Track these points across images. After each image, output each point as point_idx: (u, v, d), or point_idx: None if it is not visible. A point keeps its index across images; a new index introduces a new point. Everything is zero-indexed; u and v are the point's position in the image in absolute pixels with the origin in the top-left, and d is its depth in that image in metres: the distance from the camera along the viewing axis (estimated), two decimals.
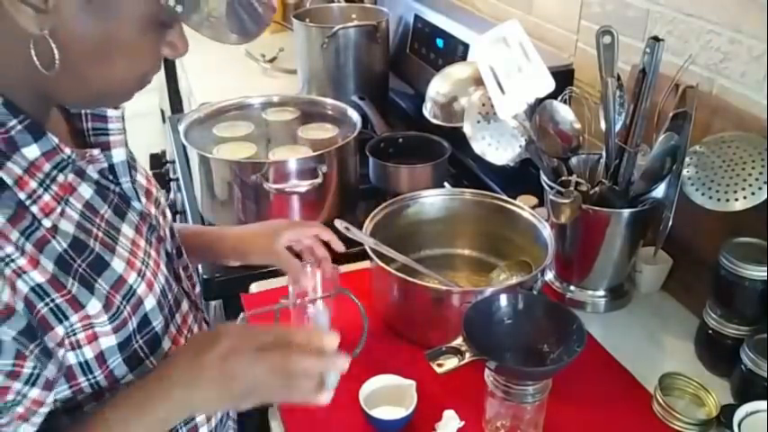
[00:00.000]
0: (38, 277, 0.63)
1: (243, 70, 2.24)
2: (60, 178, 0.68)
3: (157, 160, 1.91)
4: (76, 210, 0.69)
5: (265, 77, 2.21)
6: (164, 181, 1.85)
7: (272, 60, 2.26)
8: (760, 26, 1.01)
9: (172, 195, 1.82)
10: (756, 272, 0.94)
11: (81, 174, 0.72)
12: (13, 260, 0.61)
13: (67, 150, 0.68)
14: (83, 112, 0.76)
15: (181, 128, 1.37)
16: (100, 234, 0.70)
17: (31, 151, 0.65)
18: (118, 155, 0.77)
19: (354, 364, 1.02)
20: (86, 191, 0.71)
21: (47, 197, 0.65)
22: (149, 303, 0.74)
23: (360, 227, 1.11)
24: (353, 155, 1.37)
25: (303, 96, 1.67)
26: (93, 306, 0.67)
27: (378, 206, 1.18)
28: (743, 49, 1.05)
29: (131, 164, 0.80)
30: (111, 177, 0.76)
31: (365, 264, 1.18)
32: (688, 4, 1.14)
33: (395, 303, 1.09)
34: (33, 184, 0.64)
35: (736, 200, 0.97)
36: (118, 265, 0.71)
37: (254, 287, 1.23)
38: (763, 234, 0.97)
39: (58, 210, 0.67)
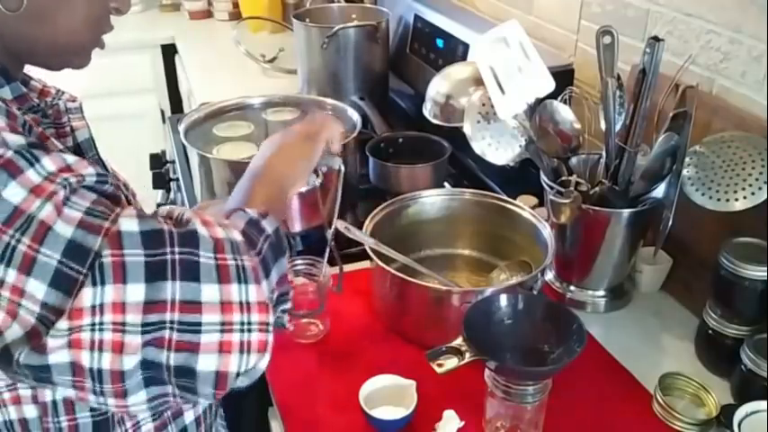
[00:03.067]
0: None
1: (243, 70, 2.24)
2: (35, 130, 0.66)
3: (157, 160, 1.90)
4: None
5: (265, 77, 2.20)
6: (164, 181, 1.84)
7: (272, 60, 2.26)
8: (760, 26, 1.01)
9: (172, 195, 1.82)
10: (756, 272, 0.94)
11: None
12: None
13: (35, 100, 0.69)
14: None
15: (181, 128, 1.37)
16: None
17: (5, 92, 0.65)
18: (82, 134, 0.78)
19: (354, 364, 1.03)
20: None
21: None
22: None
23: (360, 227, 1.11)
24: (353, 155, 1.37)
25: (303, 96, 1.67)
26: None
27: (378, 206, 1.18)
28: (743, 49, 1.05)
29: (94, 143, 0.81)
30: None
31: (365, 264, 1.18)
32: (688, 4, 1.14)
33: (395, 303, 1.09)
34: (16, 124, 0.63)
35: (736, 200, 0.97)
36: None
37: None
38: (763, 234, 0.97)
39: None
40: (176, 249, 0.58)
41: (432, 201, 1.23)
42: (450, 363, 0.84)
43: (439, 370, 0.83)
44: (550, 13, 1.53)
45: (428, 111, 1.21)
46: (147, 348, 0.57)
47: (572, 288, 1.18)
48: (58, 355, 0.55)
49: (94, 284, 0.55)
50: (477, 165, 1.53)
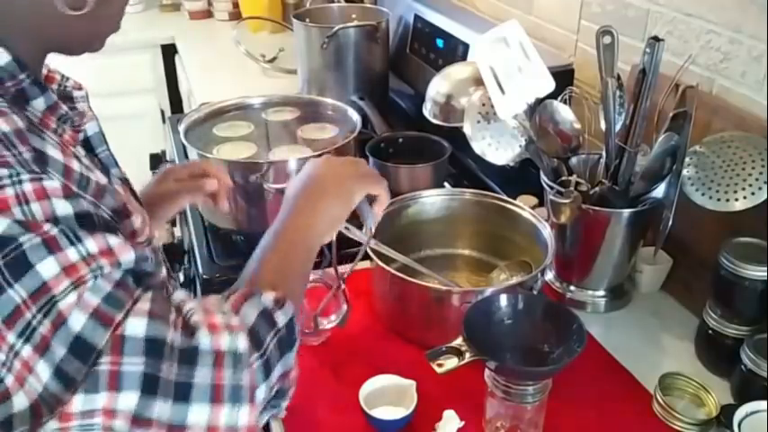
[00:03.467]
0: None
1: (243, 70, 2.24)
2: (65, 136, 0.67)
3: (157, 160, 1.90)
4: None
5: (265, 77, 2.21)
6: None
7: (272, 60, 2.26)
8: (760, 26, 1.01)
9: None
10: (756, 272, 0.94)
11: None
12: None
13: (64, 107, 0.68)
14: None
15: (181, 128, 1.37)
16: None
17: (39, 103, 0.65)
18: (92, 127, 0.77)
19: (354, 364, 1.03)
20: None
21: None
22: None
23: (360, 227, 1.11)
24: (353, 155, 1.37)
25: (303, 96, 1.67)
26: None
27: None
28: (743, 49, 1.05)
29: (104, 137, 0.81)
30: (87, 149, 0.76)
31: (365, 264, 1.18)
32: (688, 4, 1.14)
33: (395, 303, 1.09)
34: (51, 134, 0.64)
35: (736, 200, 0.97)
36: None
37: None
38: (763, 234, 0.97)
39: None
40: (174, 368, 0.57)
41: (432, 201, 1.23)
42: (450, 363, 0.84)
43: (439, 370, 0.83)
44: (550, 13, 1.53)
45: (428, 111, 1.22)
46: None
47: (572, 288, 1.18)
48: None
49: (87, 392, 0.54)
50: (477, 165, 1.53)
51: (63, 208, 0.56)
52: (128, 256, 0.59)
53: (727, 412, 0.89)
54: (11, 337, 0.54)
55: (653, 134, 1.06)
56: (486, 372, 0.87)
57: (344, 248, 1.29)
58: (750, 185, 0.96)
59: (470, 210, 1.23)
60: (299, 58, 1.85)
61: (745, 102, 1.06)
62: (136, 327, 0.56)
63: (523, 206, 1.18)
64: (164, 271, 0.76)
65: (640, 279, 1.19)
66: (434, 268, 1.14)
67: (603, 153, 1.11)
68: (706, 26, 1.11)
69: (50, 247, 0.54)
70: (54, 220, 0.55)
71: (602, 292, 1.16)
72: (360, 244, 1.08)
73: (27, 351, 0.54)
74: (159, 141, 2.45)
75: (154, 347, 0.56)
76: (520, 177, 1.33)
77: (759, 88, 1.03)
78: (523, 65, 1.07)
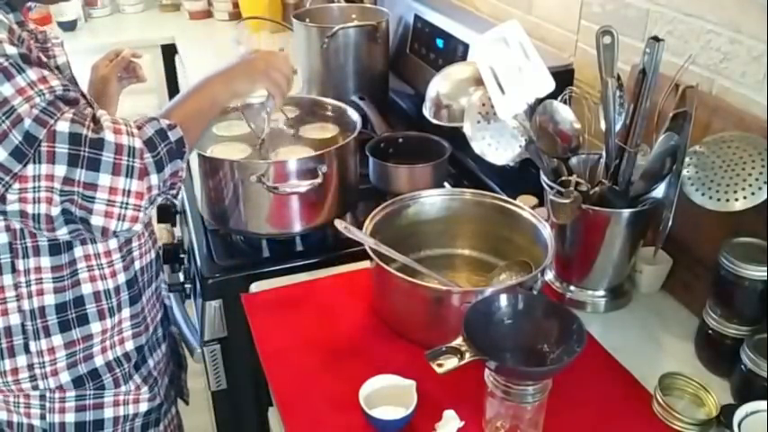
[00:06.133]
0: None
1: None
2: (27, 43, 0.88)
3: None
4: None
5: None
6: None
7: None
8: (760, 26, 1.01)
9: None
10: (756, 272, 0.94)
11: None
12: None
13: (31, 25, 0.96)
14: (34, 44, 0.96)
15: None
16: None
17: (9, 17, 0.88)
18: (61, 59, 1.04)
19: (354, 364, 1.03)
20: None
21: None
22: None
23: (360, 227, 1.11)
24: (353, 155, 1.37)
25: (303, 96, 1.67)
26: None
27: (378, 206, 1.18)
28: (743, 49, 1.05)
29: (70, 66, 1.06)
30: None
31: (365, 264, 1.18)
32: (688, 4, 1.14)
33: (395, 303, 1.09)
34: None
35: (736, 200, 0.97)
36: None
37: (254, 287, 1.23)
38: (763, 234, 0.97)
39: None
40: (87, 150, 0.86)
41: (432, 201, 1.23)
42: (450, 363, 0.84)
43: (439, 370, 0.83)
44: (550, 13, 1.53)
45: (428, 111, 1.22)
46: (65, 204, 0.87)
47: (572, 288, 1.18)
48: (12, 206, 0.86)
49: (34, 162, 0.84)
50: (477, 165, 1.53)
51: (10, 49, 0.83)
52: (56, 82, 0.86)
53: (727, 412, 0.89)
54: None
55: (653, 134, 1.06)
56: (486, 372, 0.87)
57: (344, 248, 1.30)
58: (750, 185, 0.96)
59: (470, 210, 1.23)
60: (299, 58, 1.85)
61: (745, 102, 1.06)
62: (63, 126, 0.85)
63: (523, 206, 1.18)
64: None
65: (640, 279, 1.19)
66: (434, 268, 1.14)
67: (603, 153, 1.11)
68: (706, 26, 1.11)
69: (5, 74, 0.82)
70: (5, 56, 0.82)
71: (602, 292, 1.16)
72: (360, 244, 1.09)
73: None
74: None
75: (74, 138, 0.85)
76: (520, 177, 1.33)
77: (759, 88, 1.03)
78: (523, 65, 1.07)
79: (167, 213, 1.70)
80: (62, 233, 0.90)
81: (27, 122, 0.82)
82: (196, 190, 1.42)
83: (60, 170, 0.85)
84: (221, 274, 1.27)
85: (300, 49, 1.83)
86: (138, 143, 0.90)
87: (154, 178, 0.92)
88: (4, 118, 0.82)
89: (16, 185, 0.84)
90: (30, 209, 0.86)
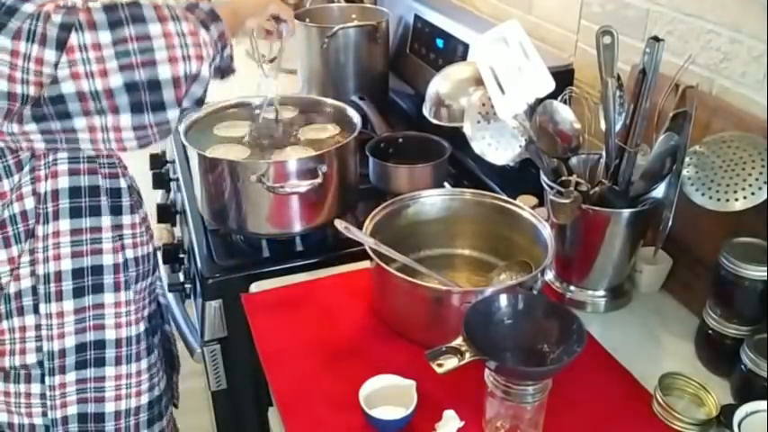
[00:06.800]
0: None
1: (243, 70, 2.23)
2: None
3: (157, 160, 1.91)
4: None
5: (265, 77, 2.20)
6: (164, 181, 1.84)
7: (272, 60, 2.25)
8: (760, 26, 1.01)
9: (172, 195, 1.82)
10: (756, 272, 0.94)
11: None
12: None
13: None
14: None
15: (181, 128, 1.37)
16: None
17: None
18: None
19: (354, 364, 1.03)
20: None
21: None
22: None
23: (360, 227, 1.11)
24: (353, 155, 1.37)
25: (303, 96, 1.67)
26: None
27: (378, 206, 1.18)
28: (743, 49, 1.05)
29: None
30: None
31: (365, 264, 1.18)
32: (688, 4, 1.14)
33: (395, 303, 1.09)
34: None
35: (736, 200, 0.97)
36: None
37: (254, 287, 1.23)
38: (763, 234, 0.97)
39: None
40: (126, 10, 0.85)
41: (432, 201, 1.23)
42: (450, 363, 0.84)
43: (439, 370, 0.83)
44: (550, 13, 1.53)
45: (428, 111, 1.22)
46: (124, 72, 0.84)
47: (572, 288, 1.18)
48: (66, 85, 0.83)
49: (77, 31, 0.82)
50: (477, 165, 1.53)
51: None
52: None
53: (727, 412, 0.89)
54: (22, 46, 0.81)
55: (653, 134, 1.06)
56: (486, 372, 0.88)
57: (344, 248, 1.30)
58: (750, 185, 0.96)
59: (470, 210, 1.23)
60: (299, 58, 1.85)
61: (745, 102, 1.06)
62: (95, 4, 0.85)
63: (523, 206, 1.18)
64: None
65: (640, 279, 1.19)
66: (434, 268, 1.14)
67: (603, 153, 1.11)
68: (706, 26, 1.11)
69: None
70: None
71: (601, 292, 1.16)
72: (360, 244, 1.09)
73: (35, 50, 0.81)
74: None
75: (110, 8, 0.84)
76: (520, 177, 1.33)
77: (759, 88, 1.03)
78: (523, 65, 1.07)
79: (167, 213, 1.70)
80: (126, 126, 0.87)
81: (56, 17, 0.82)
82: (196, 190, 1.42)
83: (105, 35, 0.83)
84: (221, 274, 1.27)
85: (300, 49, 1.83)
86: (174, 4, 0.91)
87: (203, 34, 0.92)
88: (36, 21, 0.81)
89: (64, 58, 0.82)
90: (85, 85, 0.83)
